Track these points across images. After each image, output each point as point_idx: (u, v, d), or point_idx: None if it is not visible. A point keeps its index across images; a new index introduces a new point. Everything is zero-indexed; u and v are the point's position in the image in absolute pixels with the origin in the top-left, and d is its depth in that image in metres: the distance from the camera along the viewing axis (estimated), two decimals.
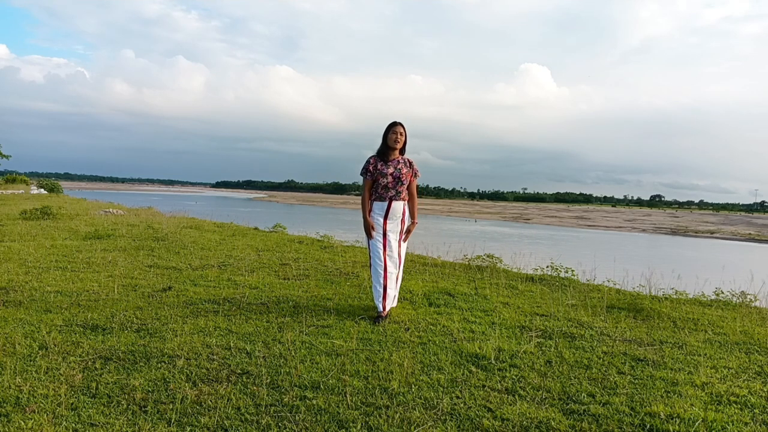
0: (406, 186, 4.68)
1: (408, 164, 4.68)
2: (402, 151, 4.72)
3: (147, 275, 6.27)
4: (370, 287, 4.91)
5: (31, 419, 2.61)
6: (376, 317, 4.54)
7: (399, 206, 4.66)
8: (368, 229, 4.65)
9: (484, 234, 34.08)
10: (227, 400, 2.87)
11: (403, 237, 4.76)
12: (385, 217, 4.64)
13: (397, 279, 4.72)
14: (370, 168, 4.65)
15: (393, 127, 4.62)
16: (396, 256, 4.67)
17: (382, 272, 4.56)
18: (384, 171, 4.59)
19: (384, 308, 4.55)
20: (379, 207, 4.66)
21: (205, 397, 2.91)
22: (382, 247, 4.61)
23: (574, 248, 26.41)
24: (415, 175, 4.75)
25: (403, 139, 4.64)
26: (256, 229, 13.11)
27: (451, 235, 28.20)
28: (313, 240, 10.80)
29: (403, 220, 4.70)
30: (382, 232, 4.63)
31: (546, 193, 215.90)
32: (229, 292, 5.43)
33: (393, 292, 4.68)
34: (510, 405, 2.94)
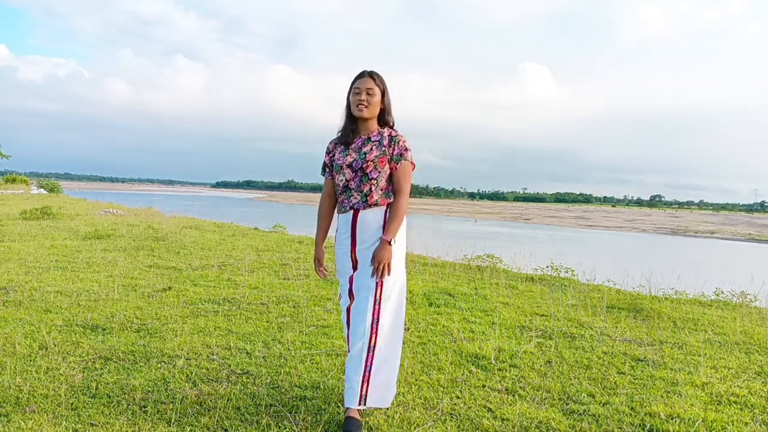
0: (381, 181, 2.62)
1: (384, 141, 2.64)
2: (382, 122, 2.71)
3: (147, 275, 6.28)
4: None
5: (31, 419, 2.61)
6: (347, 421, 2.56)
7: (372, 219, 2.63)
8: (315, 263, 2.86)
9: (484, 234, 34.06)
10: (227, 400, 2.87)
11: (374, 270, 2.56)
12: (353, 240, 2.65)
13: (369, 353, 2.58)
14: (327, 159, 2.81)
15: (354, 83, 2.64)
16: (368, 313, 2.56)
17: (367, 341, 2.59)
18: (339, 162, 2.67)
19: (362, 397, 2.56)
20: (343, 222, 2.71)
21: (205, 397, 2.91)
22: (348, 295, 2.71)
23: (574, 248, 26.40)
24: (401, 158, 2.63)
25: (376, 99, 2.62)
26: (256, 229, 13.13)
27: (451, 235, 28.18)
28: (313, 240, 10.80)
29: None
30: (350, 267, 2.68)
31: (546, 193, 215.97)
32: (229, 292, 5.43)
33: (381, 377, 2.61)
34: (510, 405, 2.94)
